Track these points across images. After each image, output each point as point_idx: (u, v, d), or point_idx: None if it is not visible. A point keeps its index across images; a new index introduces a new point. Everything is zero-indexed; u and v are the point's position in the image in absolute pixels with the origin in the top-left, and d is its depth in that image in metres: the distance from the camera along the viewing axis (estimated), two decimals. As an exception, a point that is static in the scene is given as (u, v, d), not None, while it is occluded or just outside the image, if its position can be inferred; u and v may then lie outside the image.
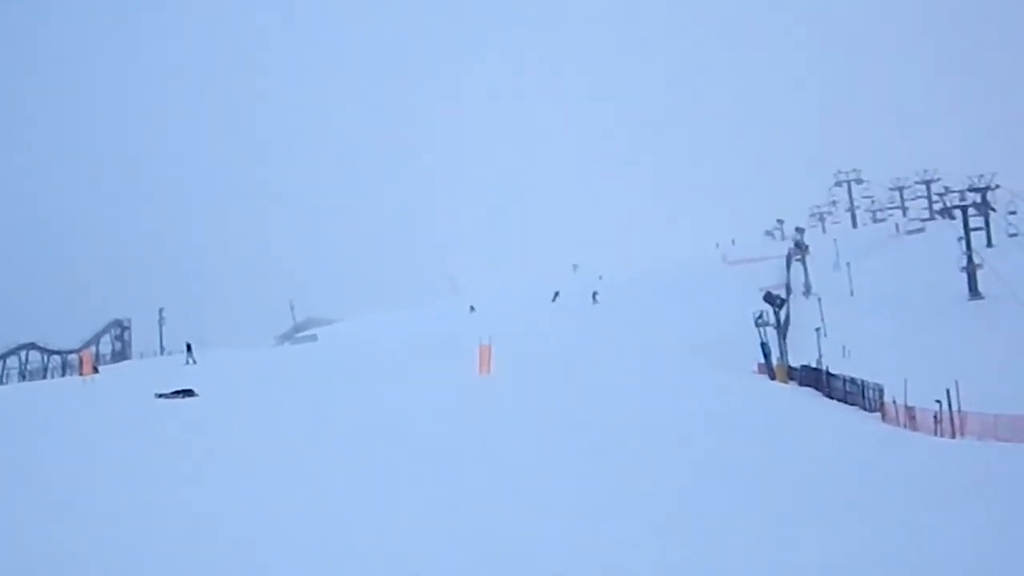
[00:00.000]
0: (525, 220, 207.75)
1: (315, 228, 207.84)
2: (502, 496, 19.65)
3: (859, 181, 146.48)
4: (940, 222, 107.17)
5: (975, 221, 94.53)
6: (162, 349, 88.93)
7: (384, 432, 26.69)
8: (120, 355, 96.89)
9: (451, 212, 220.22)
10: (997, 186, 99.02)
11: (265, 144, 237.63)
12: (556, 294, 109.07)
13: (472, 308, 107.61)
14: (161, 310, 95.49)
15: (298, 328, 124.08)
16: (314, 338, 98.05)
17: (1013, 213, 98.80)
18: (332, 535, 16.04)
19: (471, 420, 29.24)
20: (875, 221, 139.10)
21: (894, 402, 46.45)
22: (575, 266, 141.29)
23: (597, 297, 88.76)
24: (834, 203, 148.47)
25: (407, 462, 22.96)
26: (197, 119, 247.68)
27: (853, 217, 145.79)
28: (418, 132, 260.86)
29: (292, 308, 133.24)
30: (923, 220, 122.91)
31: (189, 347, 53.46)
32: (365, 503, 18.57)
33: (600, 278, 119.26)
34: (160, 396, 33.82)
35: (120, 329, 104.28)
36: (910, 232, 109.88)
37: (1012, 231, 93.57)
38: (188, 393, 34.22)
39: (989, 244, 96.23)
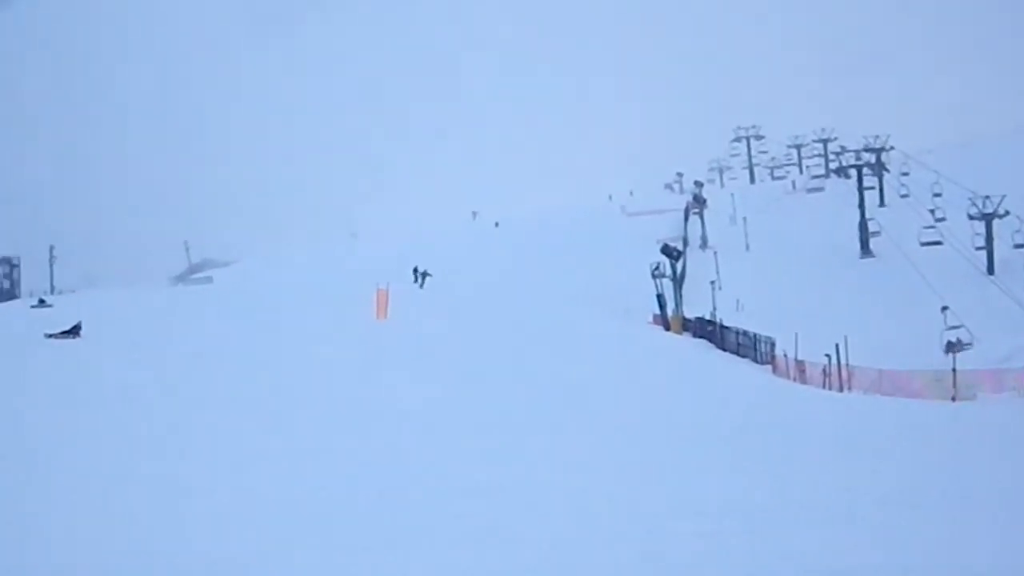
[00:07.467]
0: (422, 167, 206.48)
1: (215, 167, 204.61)
2: (401, 444, 19.60)
3: (759, 137, 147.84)
4: (836, 180, 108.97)
5: (869, 180, 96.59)
6: (52, 288, 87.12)
7: (272, 373, 26.38)
8: (8, 294, 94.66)
9: (351, 154, 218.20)
10: (891, 147, 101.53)
11: (161, 78, 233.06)
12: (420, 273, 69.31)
13: None
14: (52, 248, 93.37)
15: (193, 269, 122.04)
16: (209, 280, 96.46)
17: (906, 174, 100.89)
18: (209, 478, 15.79)
19: (367, 364, 29.16)
20: (773, 178, 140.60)
21: (784, 355, 47.20)
22: (475, 213, 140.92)
23: (426, 280, 68.99)
24: (734, 156, 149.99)
25: (294, 408, 22.76)
26: (91, 52, 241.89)
27: (751, 173, 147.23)
28: (313, 71, 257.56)
29: (187, 249, 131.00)
30: (816, 177, 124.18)
31: None
32: (236, 444, 18.30)
33: (496, 225, 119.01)
34: (49, 336, 33.33)
35: (9, 267, 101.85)
36: (810, 191, 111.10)
37: (904, 192, 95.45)
38: (75, 331, 33.70)
39: (882, 204, 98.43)
